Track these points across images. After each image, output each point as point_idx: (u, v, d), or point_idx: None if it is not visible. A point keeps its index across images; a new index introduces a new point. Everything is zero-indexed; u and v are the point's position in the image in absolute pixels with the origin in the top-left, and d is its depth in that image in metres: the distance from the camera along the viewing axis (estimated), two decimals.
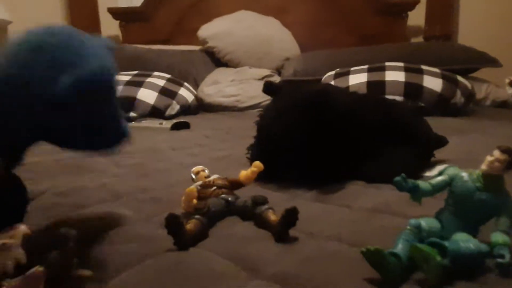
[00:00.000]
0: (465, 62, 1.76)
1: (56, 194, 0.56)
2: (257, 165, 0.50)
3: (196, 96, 1.98)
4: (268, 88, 0.63)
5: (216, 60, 2.25)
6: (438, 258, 0.30)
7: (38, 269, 0.31)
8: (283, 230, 0.40)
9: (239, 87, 2.03)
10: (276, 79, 2.14)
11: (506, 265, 0.32)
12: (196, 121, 1.41)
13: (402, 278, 0.32)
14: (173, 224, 0.38)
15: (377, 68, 1.65)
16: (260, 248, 0.38)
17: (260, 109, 1.97)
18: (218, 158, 0.81)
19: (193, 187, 0.46)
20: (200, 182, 0.51)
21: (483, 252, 0.33)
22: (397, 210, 0.47)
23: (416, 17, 2.09)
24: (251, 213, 0.45)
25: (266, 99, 2.01)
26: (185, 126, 1.32)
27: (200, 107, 1.98)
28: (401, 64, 1.64)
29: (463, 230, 0.36)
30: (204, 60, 2.23)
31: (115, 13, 2.35)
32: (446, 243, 0.33)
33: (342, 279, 0.32)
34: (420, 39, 2.17)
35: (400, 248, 0.34)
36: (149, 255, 0.37)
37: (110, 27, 2.38)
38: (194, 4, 2.38)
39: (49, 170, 0.71)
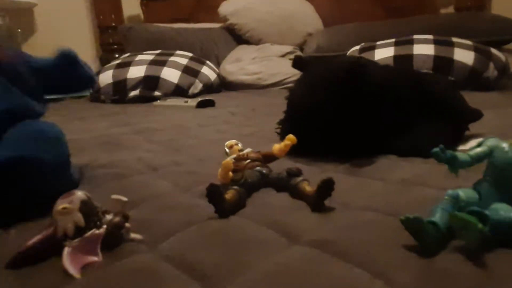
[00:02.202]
0: (499, 33, 1.67)
1: (97, 166, 0.59)
2: (291, 138, 0.51)
3: (218, 74, 1.98)
4: (298, 62, 0.62)
5: (237, 37, 2.23)
6: (479, 225, 0.31)
7: (95, 231, 0.34)
8: (319, 200, 0.41)
9: (261, 65, 2.01)
10: (299, 55, 2.10)
11: None
12: (220, 99, 1.42)
13: (441, 246, 0.33)
14: (214, 193, 0.39)
15: (404, 41, 1.59)
16: (298, 217, 0.39)
17: (282, 86, 1.96)
18: (245, 134, 0.82)
19: (229, 160, 0.48)
20: (234, 155, 0.52)
21: None
22: (431, 182, 0.47)
23: None
24: (286, 184, 0.46)
25: (288, 76, 1.99)
26: (210, 104, 1.34)
27: (223, 85, 1.98)
28: (430, 36, 1.57)
29: (502, 201, 0.36)
30: (225, 37, 2.22)
31: None
32: (487, 212, 0.33)
33: (381, 245, 0.33)
34: (450, 10, 2.06)
35: (438, 217, 0.34)
36: (192, 222, 0.39)
37: (131, 6, 2.39)
38: None
39: (87, 145, 0.75)
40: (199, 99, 1.37)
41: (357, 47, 1.73)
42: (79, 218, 0.34)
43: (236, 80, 1.99)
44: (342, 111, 0.53)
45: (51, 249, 0.33)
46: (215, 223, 0.38)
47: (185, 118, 1.07)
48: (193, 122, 0.98)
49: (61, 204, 0.34)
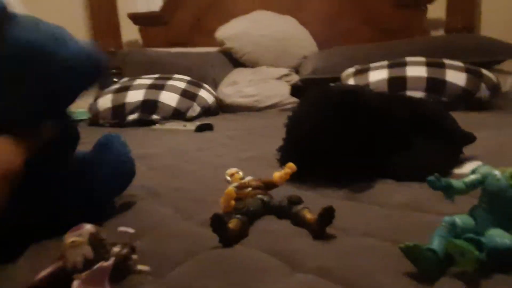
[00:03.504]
0: (489, 55, 1.72)
1: None
2: (291, 166, 0.52)
3: (215, 97, 2.01)
4: (295, 90, 0.65)
5: (234, 60, 2.28)
6: (476, 252, 0.32)
7: (103, 263, 0.35)
8: (321, 228, 0.42)
9: (257, 87, 2.05)
10: (294, 77, 2.15)
11: None
12: (217, 122, 1.44)
13: (440, 272, 0.34)
14: (217, 223, 0.40)
15: (397, 63, 1.64)
16: (300, 244, 0.40)
17: (279, 108, 1.99)
18: (244, 158, 0.84)
19: (231, 188, 0.49)
20: (236, 184, 0.54)
21: None
22: (428, 207, 0.49)
23: (436, 8, 2.05)
24: (287, 212, 0.47)
25: (285, 98, 2.03)
26: (208, 127, 1.35)
27: (220, 108, 2.01)
28: (422, 59, 1.62)
29: (497, 226, 0.37)
30: (222, 61, 2.27)
31: (135, 18, 2.42)
32: (482, 239, 0.35)
33: (381, 272, 0.34)
34: (440, 32, 2.13)
35: (436, 244, 0.35)
36: (197, 251, 0.40)
37: (130, 31, 2.44)
38: (211, 6, 2.41)
39: None
40: (198, 123, 1.39)
41: (352, 69, 1.78)
42: (88, 250, 0.35)
43: (233, 102, 2.02)
44: (340, 136, 0.55)
45: (60, 282, 0.34)
46: (220, 252, 0.39)
47: (184, 142, 1.09)
48: (192, 146, 1.00)
49: (70, 238, 0.35)
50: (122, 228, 0.38)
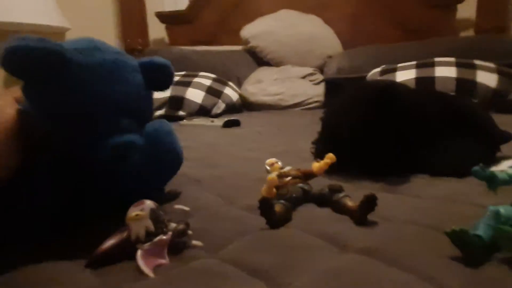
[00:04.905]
0: None
1: None
2: (330, 156, 0.54)
3: (240, 95, 2.04)
4: (332, 87, 0.66)
5: (258, 59, 2.30)
6: None
7: (162, 237, 0.38)
8: (363, 214, 0.43)
9: (282, 86, 2.07)
10: (319, 77, 2.15)
11: None
12: (243, 119, 1.47)
13: (485, 257, 0.35)
14: (266, 205, 0.43)
15: (426, 64, 1.62)
16: (344, 228, 0.42)
17: (303, 107, 2.00)
18: (276, 153, 0.86)
19: (274, 176, 0.51)
20: (276, 172, 0.56)
21: None
22: (468, 200, 0.49)
23: (466, 8, 2.01)
24: (328, 200, 0.49)
25: (309, 97, 2.04)
26: (235, 123, 1.38)
27: (244, 105, 2.04)
28: (452, 59, 1.60)
29: None
30: (246, 59, 2.30)
31: (162, 16, 2.48)
32: None
33: (427, 254, 0.35)
34: (470, 32, 2.09)
35: (482, 230, 0.36)
36: (245, 231, 0.42)
37: (157, 30, 2.51)
38: (237, 5, 2.45)
39: None
40: (225, 118, 1.42)
41: (378, 69, 1.77)
42: (150, 224, 0.38)
43: (257, 100, 2.04)
44: (376, 131, 0.56)
45: (125, 251, 0.37)
46: (268, 232, 0.41)
47: (214, 137, 1.12)
48: (224, 141, 1.03)
49: (134, 211, 0.38)
50: (178, 206, 0.40)
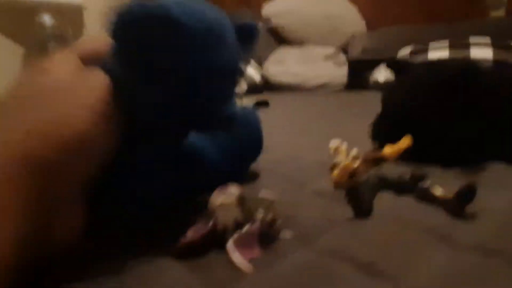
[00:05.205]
0: None
1: None
2: (406, 140, 0.50)
3: (261, 75, 1.99)
4: (394, 65, 0.62)
5: (279, 38, 2.23)
6: None
7: (251, 227, 0.34)
8: (461, 205, 0.40)
9: (304, 67, 2.01)
10: (342, 58, 2.08)
11: None
12: (270, 99, 1.42)
13: None
14: (354, 194, 0.39)
15: (460, 44, 1.55)
16: (443, 220, 0.38)
17: (325, 89, 1.95)
18: (321, 136, 0.81)
19: (349, 163, 0.47)
20: (344, 157, 0.52)
21: None
22: None
23: None
24: (409, 188, 0.45)
25: (332, 79, 1.98)
26: (265, 104, 1.34)
27: (265, 86, 1.99)
28: (487, 40, 1.53)
29: None
30: (267, 38, 2.23)
31: None
32: None
33: None
34: (501, 12, 2.00)
35: None
36: (333, 221, 0.38)
37: None
38: None
39: None
40: (255, 99, 1.37)
41: (408, 49, 1.70)
42: (238, 213, 0.34)
43: (279, 81, 1.99)
44: (457, 114, 0.52)
45: (211, 241, 0.34)
46: (360, 223, 0.38)
47: None
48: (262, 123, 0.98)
49: (219, 198, 0.35)
50: (264, 193, 0.37)
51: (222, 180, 0.37)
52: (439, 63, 0.58)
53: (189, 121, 0.38)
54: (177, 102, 0.35)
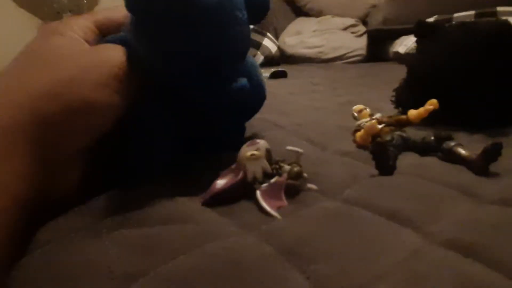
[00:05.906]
0: None
1: None
2: (433, 102, 0.49)
3: (278, 47, 1.96)
4: (421, 28, 0.60)
5: (296, 9, 2.18)
6: None
7: (278, 178, 0.35)
8: (485, 163, 0.40)
9: (322, 38, 1.97)
10: (361, 28, 2.03)
11: None
12: (287, 71, 1.41)
13: None
14: (381, 150, 0.40)
15: (486, 13, 1.49)
16: (468, 177, 0.39)
17: (345, 60, 1.91)
18: (342, 102, 0.81)
19: (374, 122, 0.48)
20: (367, 119, 0.52)
21: None
22: None
23: None
24: (434, 148, 0.46)
25: (351, 50, 1.93)
26: (283, 74, 1.33)
27: (282, 58, 1.97)
28: None
29: None
30: (284, 9, 2.18)
31: None
32: None
33: None
34: None
35: None
36: (358, 176, 0.39)
37: None
38: None
39: None
40: (273, 69, 1.37)
41: (431, 19, 1.64)
42: (266, 164, 0.36)
43: (296, 53, 1.96)
44: (485, 76, 0.51)
45: (240, 190, 0.35)
46: (385, 179, 0.39)
47: (269, 86, 1.08)
48: (281, 90, 0.98)
49: (249, 151, 0.36)
50: (290, 147, 0.38)
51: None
52: (473, 24, 0.56)
53: (200, 91, 0.38)
54: (190, 77, 0.36)
